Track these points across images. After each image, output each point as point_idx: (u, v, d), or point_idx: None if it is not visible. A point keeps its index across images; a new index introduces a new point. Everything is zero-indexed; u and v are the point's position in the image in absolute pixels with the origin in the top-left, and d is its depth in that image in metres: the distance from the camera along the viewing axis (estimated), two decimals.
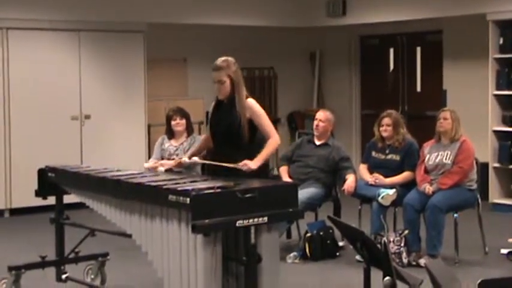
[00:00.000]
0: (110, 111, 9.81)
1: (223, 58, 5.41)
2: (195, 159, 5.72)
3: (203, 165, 6.41)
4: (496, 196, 9.35)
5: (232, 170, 5.20)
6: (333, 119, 7.57)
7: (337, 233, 6.93)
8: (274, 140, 5.38)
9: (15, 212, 9.23)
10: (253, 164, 5.24)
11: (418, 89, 11.08)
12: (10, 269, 5.75)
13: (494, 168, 9.33)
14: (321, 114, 7.53)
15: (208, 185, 4.63)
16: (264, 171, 5.45)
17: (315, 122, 7.49)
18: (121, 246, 6.53)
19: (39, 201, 6.10)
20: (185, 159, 5.77)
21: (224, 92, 5.35)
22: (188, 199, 4.40)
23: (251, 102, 5.38)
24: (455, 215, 6.83)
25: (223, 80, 5.32)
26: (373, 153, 7.34)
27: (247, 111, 5.32)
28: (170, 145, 7.11)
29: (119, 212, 5.11)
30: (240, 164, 5.22)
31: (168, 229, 4.66)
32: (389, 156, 7.23)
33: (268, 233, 4.67)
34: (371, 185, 7.12)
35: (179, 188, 4.58)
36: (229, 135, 5.35)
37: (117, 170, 5.52)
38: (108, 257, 6.16)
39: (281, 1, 10.98)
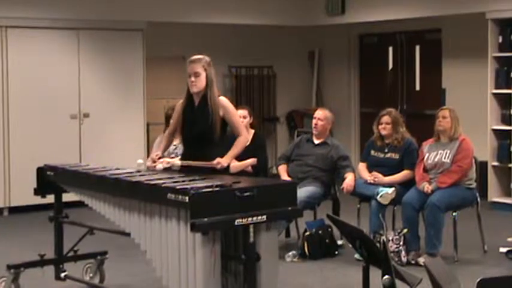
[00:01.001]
0: (109, 110, 9.80)
1: (199, 55, 5.50)
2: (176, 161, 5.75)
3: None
4: (495, 195, 9.34)
5: (207, 168, 5.27)
6: (332, 118, 7.56)
7: (336, 232, 6.93)
8: (243, 138, 5.49)
9: (14, 210, 9.22)
10: (224, 162, 5.33)
11: (417, 87, 11.07)
12: (9, 267, 5.74)
13: (493, 166, 9.32)
14: (320, 113, 7.53)
15: (207, 184, 4.63)
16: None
17: (314, 121, 7.48)
18: (120, 244, 6.53)
19: (38, 200, 6.10)
20: (177, 161, 5.80)
21: (199, 85, 5.39)
22: (187, 198, 4.41)
23: (224, 100, 5.45)
24: (454, 213, 6.82)
25: (199, 72, 5.37)
26: (372, 152, 7.34)
27: (220, 109, 5.38)
28: None
29: (118, 211, 5.12)
30: (214, 162, 5.28)
31: (167, 228, 4.66)
32: (388, 155, 7.22)
33: (267, 232, 4.67)
34: (370, 183, 7.11)
35: (178, 187, 4.58)
36: (203, 135, 5.40)
37: (116, 169, 5.52)
38: (107, 256, 6.16)
39: (280, 0, 10.97)
